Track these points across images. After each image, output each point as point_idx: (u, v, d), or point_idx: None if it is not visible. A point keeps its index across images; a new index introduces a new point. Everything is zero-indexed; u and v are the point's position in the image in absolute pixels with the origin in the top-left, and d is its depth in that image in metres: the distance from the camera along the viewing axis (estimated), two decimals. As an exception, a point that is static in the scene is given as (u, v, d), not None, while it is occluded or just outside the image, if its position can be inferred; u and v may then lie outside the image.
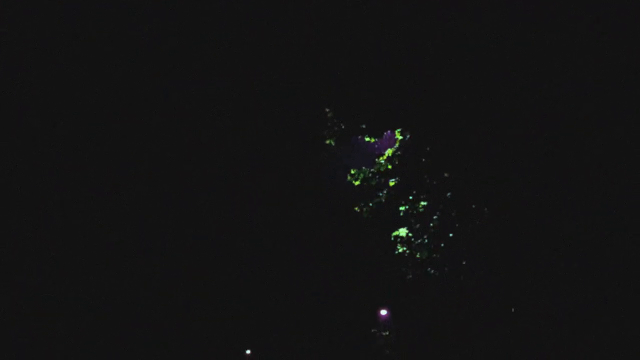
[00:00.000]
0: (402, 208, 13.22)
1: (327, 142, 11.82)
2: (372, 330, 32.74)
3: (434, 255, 12.89)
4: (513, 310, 13.91)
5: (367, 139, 11.97)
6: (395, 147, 11.20)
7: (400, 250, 13.95)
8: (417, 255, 13.21)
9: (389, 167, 10.95)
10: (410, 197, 12.58)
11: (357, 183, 10.97)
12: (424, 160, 10.37)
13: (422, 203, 11.52)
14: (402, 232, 13.50)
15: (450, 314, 16.84)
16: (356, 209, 11.15)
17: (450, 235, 11.20)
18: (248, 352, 32.35)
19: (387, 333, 33.70)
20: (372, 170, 11.00)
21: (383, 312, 32.72)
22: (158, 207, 24.47)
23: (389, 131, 11.62)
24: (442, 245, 11.52)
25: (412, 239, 12.74)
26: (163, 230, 24.41)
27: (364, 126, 10.45)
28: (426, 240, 11.66)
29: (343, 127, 10.79)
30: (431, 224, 11.44)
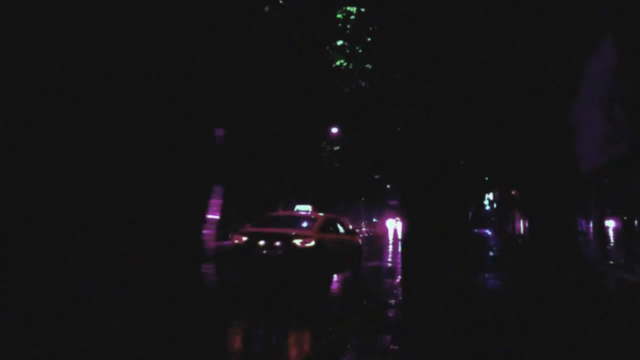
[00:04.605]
0: (339, 15, 12.34)
1: None
2: (322, 145, 34.33)
3: (367, 66, 12.57)
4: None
5: None
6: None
7: (338, 63, 13.51)
8: (350, 67, 12.87)
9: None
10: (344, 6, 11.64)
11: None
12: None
13: (352, 9, 10.63)
14: (339, 42, 12.88)
15: (384, 124, 17.44)
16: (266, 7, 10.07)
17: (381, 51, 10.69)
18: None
19: (338, 148, 35.44)
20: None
21: (334, 129, 33.86)
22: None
23: None
24: (372, 57, 11.09)
25: (347, 50, 12.21)
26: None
27: None
28: (356, 49, 11.18)
29: None
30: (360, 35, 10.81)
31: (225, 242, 22.69)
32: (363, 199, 46.92)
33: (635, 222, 7.69)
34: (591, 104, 8.79)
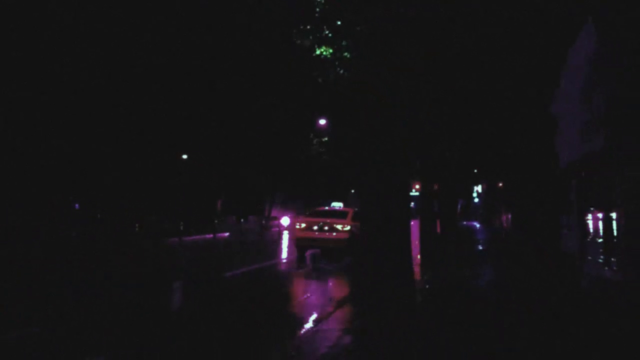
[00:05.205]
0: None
1: None
2: (310, 136, 33.91)
3: (345, 54, 12.20)
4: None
5: None
6: None
7: (318, 52, 13.14)
8: (328, 56, 12.50)
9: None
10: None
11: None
12: None
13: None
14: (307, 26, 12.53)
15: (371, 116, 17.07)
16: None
17: (358, 29, 10.31)
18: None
19: (326, 139, 35.01)
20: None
21: (322, 121, 33.48)
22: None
23: None
24: (345, 43, 10.69)
25: (317, 33, 11.86)
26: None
27: None
28: (326, 33, 10.79)
29: None
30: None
31: (208, 236, 22.33)
32: (353, 191, 46.62)
33: (614, 216, 7.42)
34: (571, 95, 8.47)
